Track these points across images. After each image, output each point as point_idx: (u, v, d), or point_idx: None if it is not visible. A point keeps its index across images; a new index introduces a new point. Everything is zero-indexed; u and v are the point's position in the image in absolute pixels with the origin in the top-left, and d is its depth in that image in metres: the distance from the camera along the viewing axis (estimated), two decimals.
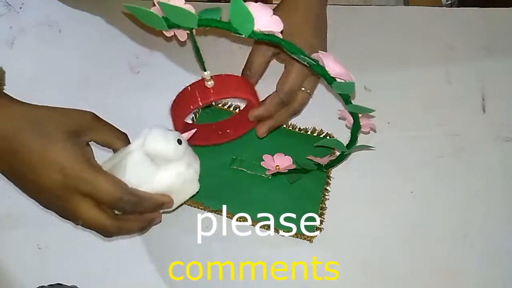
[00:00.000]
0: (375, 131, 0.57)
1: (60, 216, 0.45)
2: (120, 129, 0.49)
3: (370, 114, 0.49)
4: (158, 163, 0.47)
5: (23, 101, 0.44)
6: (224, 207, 0.57)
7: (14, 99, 0.44)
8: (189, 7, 0.43)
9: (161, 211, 0.50)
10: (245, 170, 0.60)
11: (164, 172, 0.47)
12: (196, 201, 0.58)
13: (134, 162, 0.46)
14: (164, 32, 0.48)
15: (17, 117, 0.42)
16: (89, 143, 0.47)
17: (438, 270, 0.54)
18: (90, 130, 0.45)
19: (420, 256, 0.55)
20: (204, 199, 0.58)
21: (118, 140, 0.47)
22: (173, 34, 0.48)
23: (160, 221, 0.50)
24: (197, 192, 0.52)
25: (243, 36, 0.43)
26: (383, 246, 0.56)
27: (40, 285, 0.52)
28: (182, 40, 0.49)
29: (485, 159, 0.60)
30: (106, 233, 0.46)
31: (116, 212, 0.47)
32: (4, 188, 0.62)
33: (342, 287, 0.54)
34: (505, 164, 0.60)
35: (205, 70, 0.51)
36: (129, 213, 0.47)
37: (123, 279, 0.56)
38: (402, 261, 0.55)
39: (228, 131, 0.61)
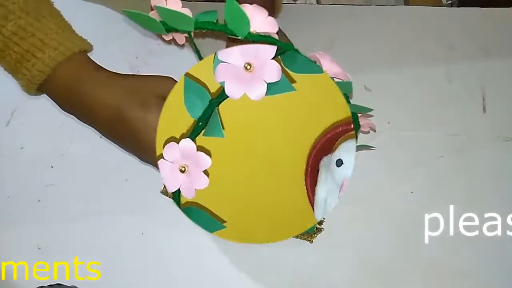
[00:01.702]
0: (374, 131, 0.57)
1: None
2: None
3: (369, 113, 0.49)
4: None
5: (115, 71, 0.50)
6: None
7: (109, 71, 0.50)
8: (185, 11, 0.44)
9: None
10: None
11: None
12: None
13: None
14: (162, 36, 0.48)
15: (117, 88, 0.49)
16: None
17: (438, 270, 0.54)
18: None
19: (420, 256, 0.55)
20: None
21: None
22: (171, 38, 0.49)
23: None
24: None
25: (240, 38, 0.43)
26: (383, 246, 0.56)
27: (40, 285, 0.52)
28: (180, 43, 0.49)
29: (485, 159, 0.60)
30: None
31: None
32: (4, 188, 0.62)
33: (343, 287, 0.54)
34: (505, 164, 0.60)
35: None
36: None
37: (124, 279, 0.56)
38: (402, 261, 0.55)
39: None
